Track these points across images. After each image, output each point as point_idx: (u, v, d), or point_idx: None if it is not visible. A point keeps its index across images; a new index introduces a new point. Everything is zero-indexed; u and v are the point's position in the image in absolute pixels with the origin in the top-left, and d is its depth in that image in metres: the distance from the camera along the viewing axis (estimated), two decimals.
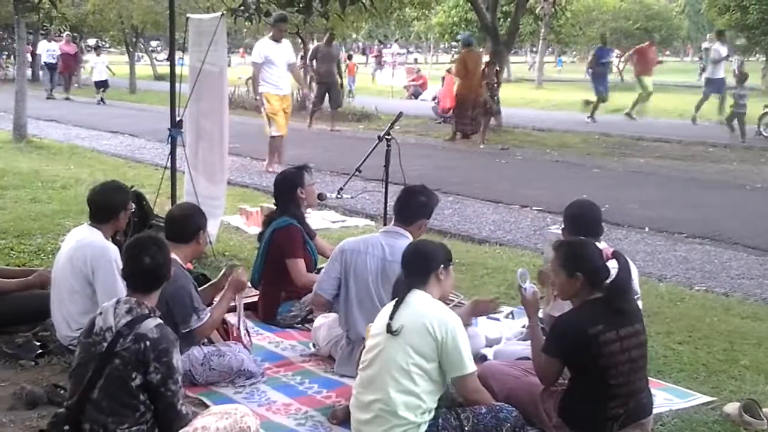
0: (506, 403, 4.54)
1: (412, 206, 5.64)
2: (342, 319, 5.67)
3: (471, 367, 4.28)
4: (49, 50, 31.47)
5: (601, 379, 4.37)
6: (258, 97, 14.16)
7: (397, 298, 4.41)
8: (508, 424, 4.32)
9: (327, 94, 21.39)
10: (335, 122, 21.63)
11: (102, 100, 29.19)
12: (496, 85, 18.87)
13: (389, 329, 4.26)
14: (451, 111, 21.43)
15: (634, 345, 4.44)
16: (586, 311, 4.48)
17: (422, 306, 4.32)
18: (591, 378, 4.42)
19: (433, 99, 26.48)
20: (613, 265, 4.57)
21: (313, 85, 22.06)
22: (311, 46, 23.73)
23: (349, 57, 41.65)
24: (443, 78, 25.08)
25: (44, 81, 32.12)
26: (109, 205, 5.74)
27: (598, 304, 4.46)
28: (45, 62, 31.71)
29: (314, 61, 21.55)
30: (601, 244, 4.88)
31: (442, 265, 4.52)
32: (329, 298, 5.71)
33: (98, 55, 31.75)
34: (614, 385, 4.38)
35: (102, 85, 29.79)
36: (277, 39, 14.01)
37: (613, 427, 4.43)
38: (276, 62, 13.89)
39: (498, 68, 19.91)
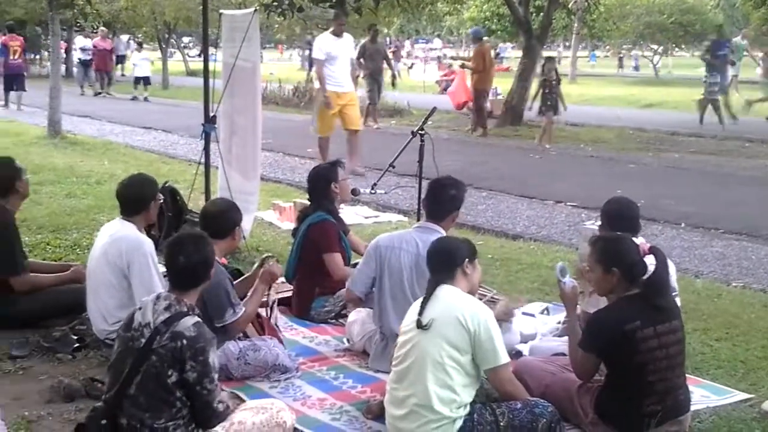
0: (542, 398, 4.51)
1: (442, 201, 5.62)
2: (376, 315, 5.66)
3: (504, 358, 4.26)
4: (84, 46, 31.22)
5: (637, 376, 4.34)
6: (326, 96, 13.27)
7: (424, 296, 4.40)
8: (544, 420, 4.28)
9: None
10: (374, 117, 21.41)
11: (145, 97, 28.96)
12: (555, 82, 17.88)
13: (419, 324, 4.26)
14: (464, 106, 21.43)
15: (672, 342, 4.40)
16: (623, 307, 4.44)
17: (452, 299, 4.31)
18: (627, 374, 4.38)
19: (444, 90, 26.41)
20: (650, 261, 4.52)
21: (363, 82, 21.02)
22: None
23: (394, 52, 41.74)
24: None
25: (78, 77, 32.02)
26: (137, 197, 5.78)
27: (635, 300, 4.42)
28: (79, 58, 31.56)
29: (362, 59, 20.48)
30: (638, 240, 4.83)
31: (467, 259, 4.52)
32: (360, 295, 5.71)
33: (140, 51, 31.56)
34: (651, 381, 4.34)
35: (144, 81, 29.41)
36: (337, 34, 13.48)
37: (650, 424, 4.40)
38: (337, 58, 13.36)
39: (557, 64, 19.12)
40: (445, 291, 4.36)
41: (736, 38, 25.93)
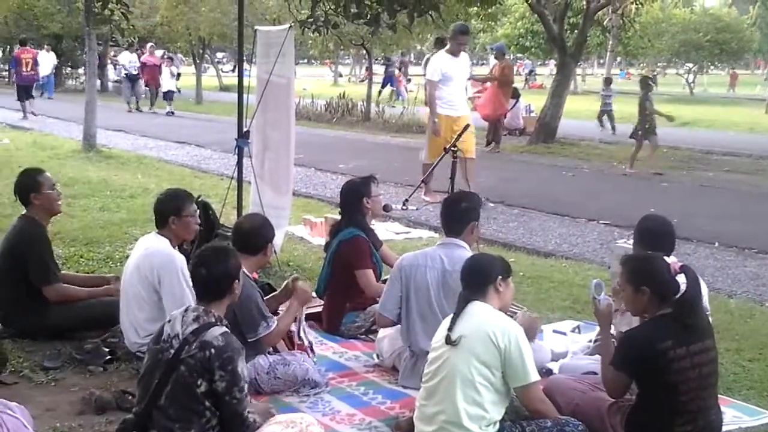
0: (572, 417, 4.49)
1: (456, 215, 5.61)
2: (404, 334, 5.64)
3: (534, 376, 4.24)
4: (131, 62, 30.59)
5: (669, 396, 4.29)
6: (435, 120, 12.28)
7: (454, 312, 4.40)
8: None
9: None
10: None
11: (172, 112, 28.77)
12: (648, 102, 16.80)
13: (448, 340, 4.25)
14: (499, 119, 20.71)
15: (705, 361, 4.35)
16: (655, 327, 4.40)
17: (483, 315, 4.31)
18: (659, 394, 4.34)
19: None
20: (681, 280, 4.48)
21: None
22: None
23: (399, 69, 41.70)
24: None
25: (125, 93, 30.90)
26: (161, 211, 5.83)
27: (667, 320, 4.37)
28: (126, 74, 30.77)
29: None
30: (670, 259, 4.78)
31: (500, 277, 4.51)
32: (393, 318, 5.67)
33: (168, 66, 31.00)
34: (683, 401, 4.29)
35: (166, 96, 29.48)
36: (455, 53, 12.54)
37: None
38: (454, 79, 12.48)
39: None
40: (476, 307, 4.35)
41: None
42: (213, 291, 4.18)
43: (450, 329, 4.30)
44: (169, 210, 5.82)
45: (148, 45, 31.77)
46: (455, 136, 7.71)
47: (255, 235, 5.57)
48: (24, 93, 25.58)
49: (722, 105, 28.18)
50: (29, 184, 6.30)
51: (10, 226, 6.58)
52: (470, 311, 4.34)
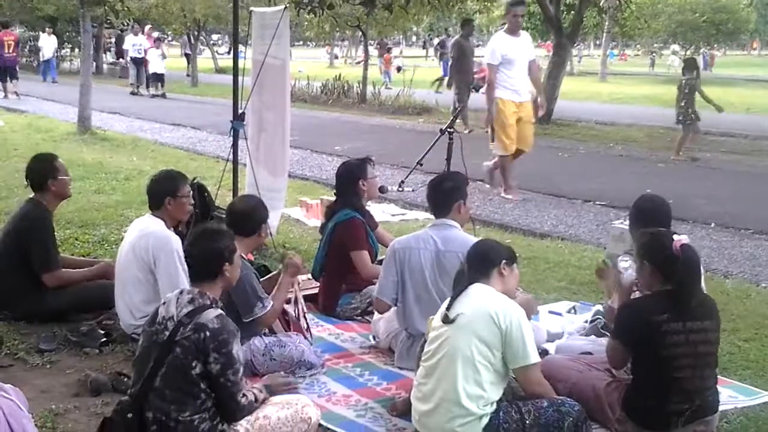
0: (569, 396, 4.49)
1: (442, 196, 5.60)
2: (400, 317, 5.64)
3: (535, 358, 4.24)
4: (135, 44, 30.09)
5: (664, 371, 4.32)
6: (494, 108, 11.35)
7: (454, 292, 4.39)
8: (571, 419, 4.25)
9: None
10: (467, 124, 19.28)
11: (155, 94, 28.44)
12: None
13: (446, 319, 4.26)
14: None
15: (701, 341, 4.38)
16: (652, 300, 4.47)
17: (485, 296, 4.30)
18: (653, 369, 4.37)
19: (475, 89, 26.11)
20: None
21: (454, 82, 19.47)
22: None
23: (388, 50, 41.56)
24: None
25: (131, 76, 30.41)
26: (157, 192, 5.82)
27: (666, 295, 4.42)
28: (131, 57, 30.25)
29: (455, 57, 19.45)
30: (681, 236, 4.72)
31: (504, 261, 4.49)
32: (391, 302, 5.66)
33: (157, 47, 29.64)
34: (678, 378, 4.32)
35: (155, 77, 28.86)
36: (513, 30, 11.44)
37: (677, 423, 4.37)
38: (515, 61, 11.31)
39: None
40: (477, 288, 4.35)
41: None
42: (202, 272, 4.17)
43: (448, 308, 4.30)
44: (165, 190, 5.82)
45: (146, 27, 31.53)
46: (452, 117, 7.67)
47: (248, 216, 5.56)
48: (5, 74, 26.35)
49: (719, 86, 28.05)
50: (47, 170, 6.30)
51: (17, 208, 6.58)
52: (471, 292, 4.33)
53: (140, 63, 29.74)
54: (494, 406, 4.20)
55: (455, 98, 18.80)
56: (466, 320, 4.20)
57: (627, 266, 4.93)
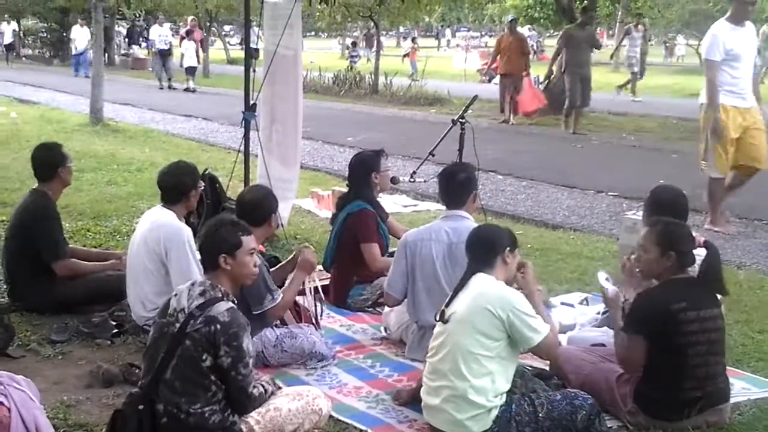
0: (581, 388, 4.50)
1: (455, 187, 5.59)
2: (410, 309, 5.62)
3: (543, 330, 4.24)
4: (161, 36, 28.82)
5: (678, 360, 4.35)
6: (719, 116, 8.98)
7: (457, 285, 4.41)
8: (584, 412, 4.25)
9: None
10: (576, 124, 17.94)
11: (193, 88, 27.36)
12: None
13: (441, 317, 4.28)
14: (536, 113, 19.83)
15: (712, 328, 4.46)
16: (669, 289, 4.49)
17: (481, 288, 4.30)
18: (668, 357, 4.38)
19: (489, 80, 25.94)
20: (699, 253, 4.61)
21: (565, 77, 17.91)
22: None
23: (413, 41, 41.50)
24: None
25: (156, 69, 29.15)
26: (178, 185, 5.82)
27: (683, 283, 4.47)
28: (158, 49, 28.80)
29: (565, 49, 17.94)
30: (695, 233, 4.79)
31: (507, 248, 4.48)
32: (400, 296, 5.67)
33: (189, 39, 28.23)
34: (691, 365, 4.36)
35: (188, 71, 27.73)
36: (739, 20, 9.11)
37: (689, 413, 4.38)
38: (740, 57, 9.06)
39: None
40: (477, 280, 4.35)
41: (763, 27, 25.63)
42: (205, 263, 4.20)
43: (447, 305, 4.32)
44: (190, 184, 5.84)
45: (189, 19, 30.44)
46: (464, 107, 7.62)
47: (257, 206, 5.55)
48: None
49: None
50: (56, 158, 6.33)
51: (21, 199, 6.58)
52: (471, 285, 4.34)
53: (167, 55, 28.56)
54: (503, 398, 4.21)
55: (567, 95, 17.69)
56: (463, 317, 4.22)
57: (606, 283, 4.91)
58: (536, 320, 4.25)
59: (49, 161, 6.32)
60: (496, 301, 4.19)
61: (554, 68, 18.31)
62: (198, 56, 28.80)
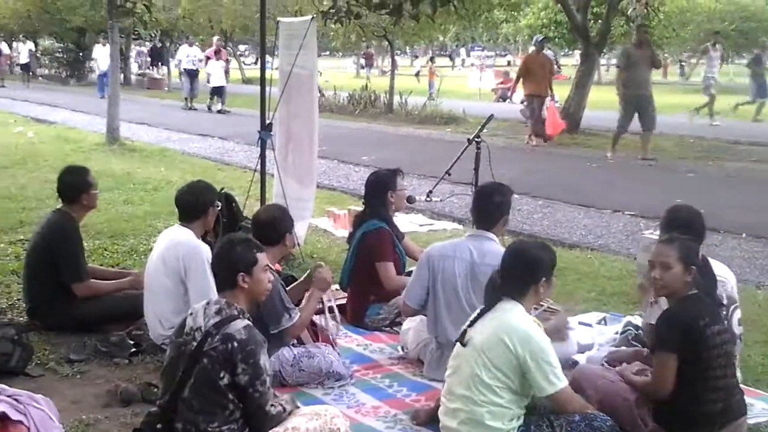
0: (600, 407, 4.46)
1: (490, 209, 5.56)
2: (430, 324, 5.62)
3: (559, 384, 4.12)
4: (189, 55, 28.42)
5: (701, 374, 4.34)
6: None
7: (484, 306, 4.33)
8: None
9: (637, 112, 16.88)
10: (644, 149, 17.07)
11: (219, 110, 26.76)
12: None
13: (461, 339, 4.23)
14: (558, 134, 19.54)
15: (728, 340, 4.52)
16: (692, 304, 4.47)
17: (506, 319, 4.18)
18: (692, 373, 4.35)
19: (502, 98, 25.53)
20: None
21: (620, 100, 17.30)
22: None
23: (431, 60, 41.57)
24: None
25: (184, 89, 28.49)
26: (196, 203, 5.85)
27: (697, 300, 4.48)
28: (185, 69, 28.31)
29: (623, 69, 17.16)
30: None
31: (544, 278, 4.32)
32: (417, 307, 5.67)
33: (218, 59, 27.67)
34: (712, 377, 4.35)
35: (215, 92, 27.12)
36: None
37: (713, 430, 4.37)
38: None
39: None
40: (504, 308, 4.23)
41: None
42: (220, 282, 4.19)
43: (471, 325, 4.26)
44: (207, 203, 5.89)
45: (214, 39, 29.72)
46: (480, 127, 7.64)
47: (272, 226, 5.56)
48: None
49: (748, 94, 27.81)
50: (81, 184, 6.36)
51: (44, 219, 6.64)
52: (497, 312, 4.23)
53: (195, 75, 28.20)
54: (521, 420, 4.18)
55: (618, 118, 17.16)
56: (480, 345, 4.14)
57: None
58: (555, 370, 4.11)
59: (73, 186, 6.35)
60: (517, 338, 4.08)
61: (618, 89, 17.43)
62: (226, 76, 28.42)
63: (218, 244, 4.34)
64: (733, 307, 5.15)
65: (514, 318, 4.19)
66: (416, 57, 54.40)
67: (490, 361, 4.10)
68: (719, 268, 5.26)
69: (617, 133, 17.35)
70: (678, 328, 4.38)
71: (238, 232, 7.45)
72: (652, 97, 16.98)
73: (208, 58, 27.99)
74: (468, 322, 4.30)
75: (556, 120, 19.17)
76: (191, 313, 4.08)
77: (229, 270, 4.14)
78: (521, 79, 19.60)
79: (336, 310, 5.89)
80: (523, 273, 4.31)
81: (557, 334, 5.30)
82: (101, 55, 31.15)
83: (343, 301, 6.76)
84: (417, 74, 43.77)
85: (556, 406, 4.26)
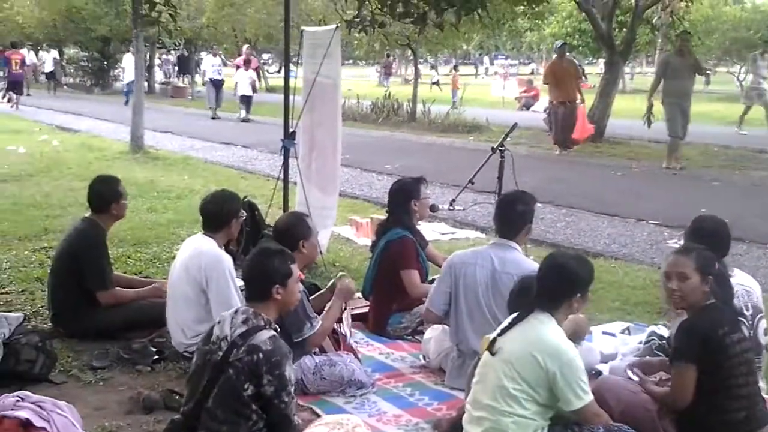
0: (622, 418, 4.42)
1: (512, 218, 5.56)
2: (452, 332, 5.61)
3: (586, 398, 4.10)
4: (214, 65, 28.79)
5: (722, 383, 4.31)
6: None
7: (515, 315, 4.28)
8: None
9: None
10: (669, 158, 16.84)
11: (243, 118, 26.54)
12: None
13: (491, 348, 4.18)
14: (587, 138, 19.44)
15: (748, 348, 4.49)
16: (711, 314, 4.44)
17: (538, 333, 4.15)
18: (715, 382, 4.32)
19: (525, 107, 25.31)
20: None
21: (663, 107, 16.73)
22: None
23: (455, 68, 41.55)
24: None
25: (209, 99, 28.21)
26: (220, 213, 5.86)
27: (716, 309, 4.45)
28: (210, 78, 28.41)
29: (663, 78, 16.73)
30: None
31: (579, 294, 4.28)
32: (440, 314, 5.67)
33: (247, 69, 27.28)
34: (735, 386, 4.33)
35: (242, 100, 26.89)
36: None
37: None
38: None
39: None
40: (536, 321, 4.19)
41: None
42: (253, 292, 4.19)
43: (501, 334, 4.21)
44: (231, 212, 5.90)
45: (245, 47, 29.25)
46: (504, 135, 7.64)
47: (287, 232, 5.58)
48: (12, 87, 30.06)
49: None
50: (111, 194, 6.39)
51: (71, 227, 6.67)
52: (528, 323, 4.19)
53: (220, 85, 28.14)
54: (545, 430, 4.15)
55: (667, 126, 16.63)
56: (509, 357, 4.11)
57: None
58: (584, 385, 4.10)
59: (103, 195, 6.38)
60: (548, 353, 4.05)
61: (652, 100, 17.12)
62: (255, 86, 28.22)
63: (251, 254, 4.34)
64: (759, 317, 5.11)
65: (545, 332, 4.15)
66: (432, 67, 54.29)
67: (518, 373, 4.08)
68: (744, 278, 5.22)
69: (672, 143, 16.80)
70: (697, 338, 4.35)
71: (261, 240, 7.48)
72: (689, 107, 16.72)
73: (237, 66, 27.98)
74: (498, 331, 4.27)
75: (585, 125, 19.06)
76: (218, 322, 4.10)
77: (264, 282, 4.15)
78: (548, 87, 19.57)
79: (350, 318, 5.89)
80: (560, 286, 4.26)
81: (575, 334, 5.27)
82: (129, 64, 31.11)
83: (365, 310, 6.76)
84: (436, 83, 43.65)
85: (582, 420, 4.23)
